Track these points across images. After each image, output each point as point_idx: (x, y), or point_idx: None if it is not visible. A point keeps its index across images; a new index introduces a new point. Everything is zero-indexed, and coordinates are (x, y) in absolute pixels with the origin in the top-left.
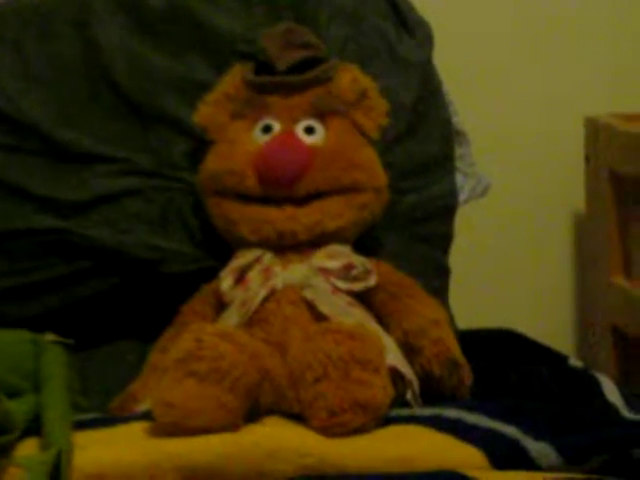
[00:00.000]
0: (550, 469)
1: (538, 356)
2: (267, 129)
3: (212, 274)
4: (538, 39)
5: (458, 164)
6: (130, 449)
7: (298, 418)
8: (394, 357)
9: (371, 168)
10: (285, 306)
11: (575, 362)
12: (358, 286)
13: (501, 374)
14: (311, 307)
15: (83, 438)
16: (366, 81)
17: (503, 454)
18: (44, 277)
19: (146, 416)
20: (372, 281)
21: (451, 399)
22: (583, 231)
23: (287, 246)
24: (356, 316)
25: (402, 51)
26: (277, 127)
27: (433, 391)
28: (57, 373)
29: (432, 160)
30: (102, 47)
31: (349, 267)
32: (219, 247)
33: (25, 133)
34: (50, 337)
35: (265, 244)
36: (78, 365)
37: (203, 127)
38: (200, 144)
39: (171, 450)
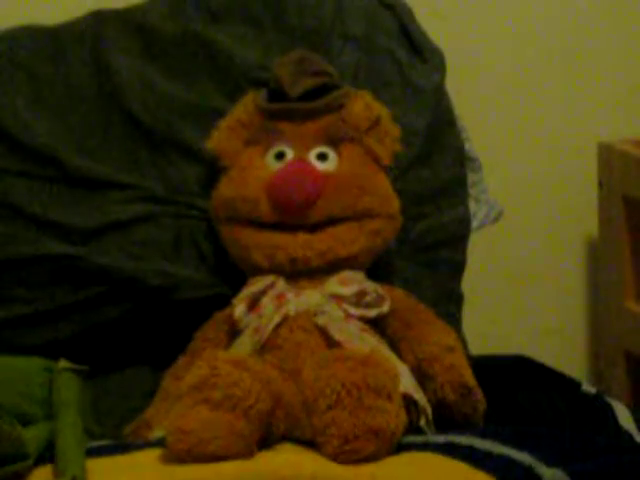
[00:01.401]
0: None
1: (551, 382)
2: (280, 156)
3: (225, 301)
4: (552, 64)
5: (471, 191)
6: (144, 476)
7: (311, 445)
8: (407, 384)
9: (384, 194)
10: (298, 333)
11: (588, 388)
12: (371, 313)
13: (514, 400)
14: (324, 333)
15: (97, 465)
16: (379, 108)
17: None
18: (57, 304)
19: (160, 443)
20: (385, 308)
21: (464, 425)
22: (596, 256)
23: (300, 272)
24: (369, 343)
25: (414, 77)
26: (290, 154)
27: (446, 417)
28: (70, 400)
29: (445, 187)
30: (115, 74)
31: (362, 294)
32: (232, 273)
33: (38, 159)
34: (63, 364)
35: (278, 270)
36: (91, 392)
37: (216, 154)
38: (213, 171)
39: (185, 477)
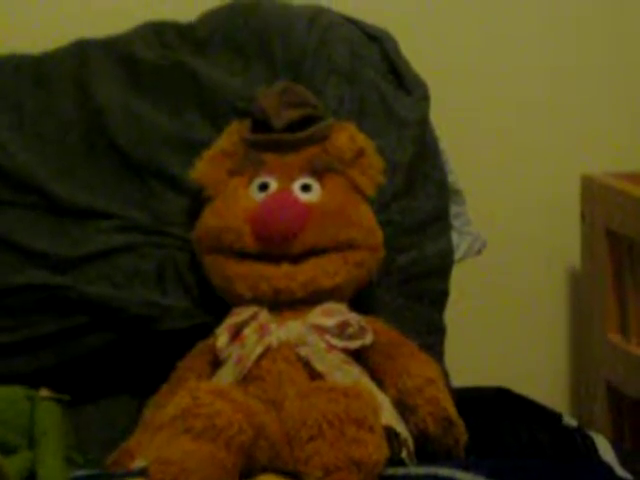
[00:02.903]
0: None
1: (532, 414)
2: (264, 187)
3: (208, 331)
4: (536, 96)
5: (454, 223)
6: None
7: (293, 476)
8: (389, 415)
9: (367, 226)
10: (280, 363)
11: (569, 420)
12: (354, 344)
13: (496, 433)
14: (306, 365)
15: None
16: (363, 139)
17: None
18: (39, 332)
19: (142, 473)
20: (367, 339)
21: (446, 458)
22: (579, 288)
23: (283, 303)
24: (351, 374)
25: (399, 109)
26: (274, 185)
27: (428, 450)
28: (52, 429)
29: (428, 218)
30: (100, 103)
31: (345, 325)
32: (215, 303)
33: (22, 188)
34: (45, 393)
35: (261, 301)
36: (73, 421)
37: (200, 184)
38: (197, 201)
39: None
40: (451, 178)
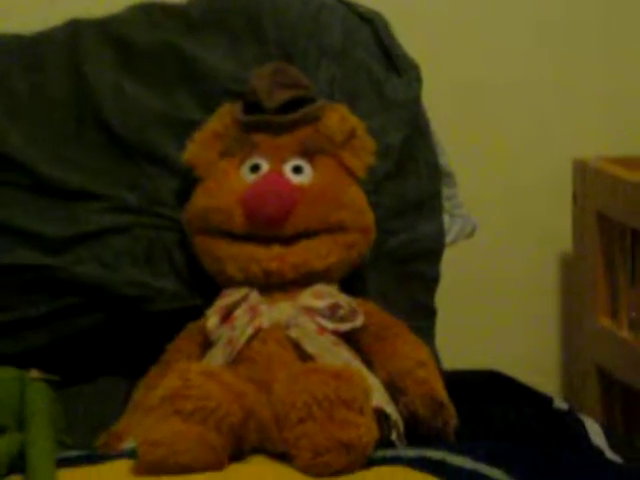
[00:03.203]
0: None
1: (523, 397)
2: (255, 168)
3: (198, 312)
4: (528, 80)
5: (445, 205)
6: None
7: (283, 457)
8: (379, 397)
9: (358, 208)
10: (271, 345)
11: (560, 404)
12: (344, 326)
13: (486, 415)
14: (297, 346)
15: (67, 476)
16: (354, 121)
17: None
18: (29, 313)
19: (131, 454)
20: (358, 321)
21: (436, 440)
22: (570, 272)
23: (274, 285)
24: (342, 356)
25: (390, 91)
26: (265, 166)
27: (418, 432)
28: (42, 410)
29: (419, 201)
30: (91, 84)
31: (335, 307)
32: (206, 285)
33: (12, 168)
34: (35, 374)
35: (252, 283)
36: (63, 402)
37: (191, 165)
38: (188, 182)
39: None
40: (443, 160)
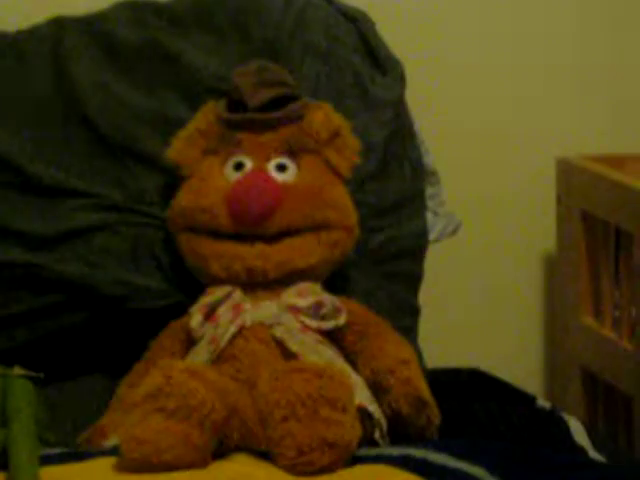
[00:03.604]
0: None
1: (506, 397)
2: (239, 166)
3: (182, 310)
4: (511, 79)
5: (429, 203)
6: None
7: (266, 456)
8: (363, 396)
9: (342, 206)
10: (254, 343)
11: (543, 403)
12: (328, 325)
13: (469, 414)
14: (280, 345)
15: (50, 473)
16: (338, 119)
17: None
18: (13, 311)
19: (114, 451)
20: (342, 320)
21: (419, 438)
22: (554, 272)
23: (257, 283)
24: (325, 354)
25: (374, 89)
26: (249, 164)
27: (401, 430)
28: (25, 407)
29: (403, 199)
30: (75, 81)
31: (319, 305)
32: (189, 283)
33: None
34: (18, 371)
35: (235, 281)
36: (46, 399)
37: (175, 163)
38: (172, 180)
39: None
40: (426, 159)
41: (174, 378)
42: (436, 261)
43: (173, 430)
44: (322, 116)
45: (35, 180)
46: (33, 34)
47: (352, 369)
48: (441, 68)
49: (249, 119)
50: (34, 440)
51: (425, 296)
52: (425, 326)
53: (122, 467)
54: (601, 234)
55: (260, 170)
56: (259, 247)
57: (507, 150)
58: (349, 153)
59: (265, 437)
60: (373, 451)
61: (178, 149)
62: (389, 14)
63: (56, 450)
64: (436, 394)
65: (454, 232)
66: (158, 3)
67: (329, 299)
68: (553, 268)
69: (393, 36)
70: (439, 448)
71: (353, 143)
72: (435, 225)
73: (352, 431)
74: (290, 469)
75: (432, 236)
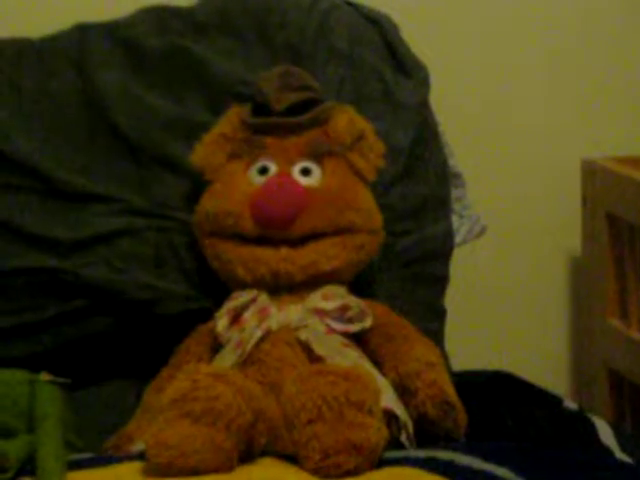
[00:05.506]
0: None
1: (533, 398)
2: (263, 170)
3: (208, 314)
4: (536, 81)
5: (454, 206)
6: None
7: (292, 459)
8: (389, 399)
9: (367, 210)
10: (280, 347)
11: (570, 404)
12: (354, 328)
13: (496, 416)
14: (306, 348)
15: (77, 478)
16: (363, 123)
17: None
18: (39, 316)
19: (140, 456)
20: (367, 323)
21: (445, 441)
22: (579, 272)
23: (283, 287)
24: (351, 357)
25: (398, 93)
26: (273, 168)
27: (427, 433)
28: (52, 413)
29: (428, 202)
30: (100, 87)
31: (344, 308)
32: (215, 287)
33: (21, 171)
34: (45, 377)
35: (260, 285)
36: (73, 404)
37: (200, 168)
38: (197, 184)
39: None
40: (451, 162)
41: (200, 382)
42: (462, 263)
43: (199, 434)
44: (346, 120)
45: (60, 186)
46: (57, 41)
47: (378, 372)
48: (466, 70)
49: (274, 123)
50: (61, 445)
51: (451, 298)
52: (450, 328)
53: (148, 471)
54: (627, 235)
55: (285, 174)
56: (284, 251)
57: (532, 152)
58: (373, 156)
59: (291, 440)
60: (399, 453)
61: (202, 154)
62: (412, 17)
63: (83, 455)
64: (462, 396)
65: (479, 235)
66: (181, 9)
67: (355, 302)
68: (579, 269)
69: (417, 39)
70: (465, 450)
71: (377, 146)
72: (460, 228)
73: (378, 434)
74: (316, 472)
75: (458, 239)
